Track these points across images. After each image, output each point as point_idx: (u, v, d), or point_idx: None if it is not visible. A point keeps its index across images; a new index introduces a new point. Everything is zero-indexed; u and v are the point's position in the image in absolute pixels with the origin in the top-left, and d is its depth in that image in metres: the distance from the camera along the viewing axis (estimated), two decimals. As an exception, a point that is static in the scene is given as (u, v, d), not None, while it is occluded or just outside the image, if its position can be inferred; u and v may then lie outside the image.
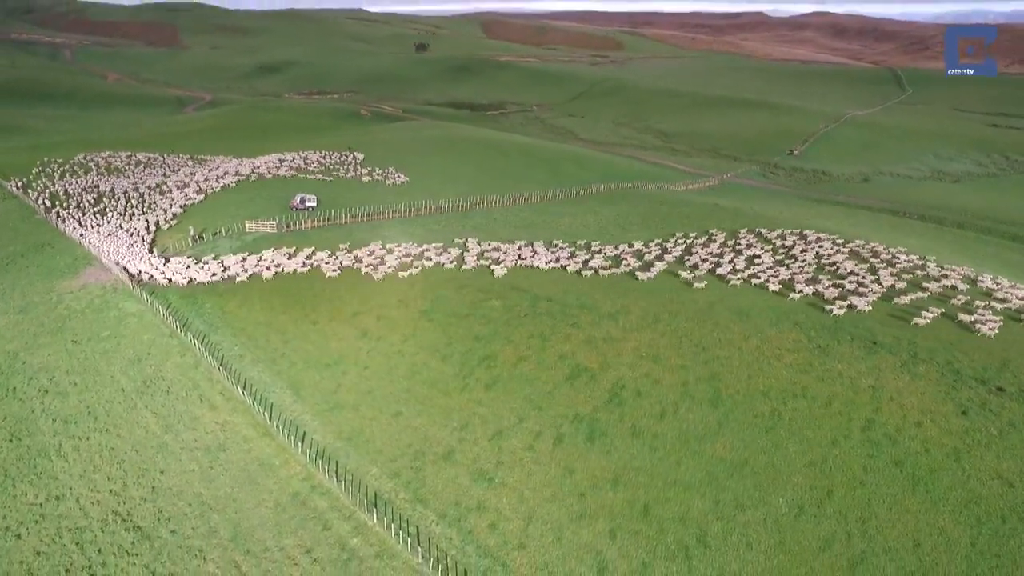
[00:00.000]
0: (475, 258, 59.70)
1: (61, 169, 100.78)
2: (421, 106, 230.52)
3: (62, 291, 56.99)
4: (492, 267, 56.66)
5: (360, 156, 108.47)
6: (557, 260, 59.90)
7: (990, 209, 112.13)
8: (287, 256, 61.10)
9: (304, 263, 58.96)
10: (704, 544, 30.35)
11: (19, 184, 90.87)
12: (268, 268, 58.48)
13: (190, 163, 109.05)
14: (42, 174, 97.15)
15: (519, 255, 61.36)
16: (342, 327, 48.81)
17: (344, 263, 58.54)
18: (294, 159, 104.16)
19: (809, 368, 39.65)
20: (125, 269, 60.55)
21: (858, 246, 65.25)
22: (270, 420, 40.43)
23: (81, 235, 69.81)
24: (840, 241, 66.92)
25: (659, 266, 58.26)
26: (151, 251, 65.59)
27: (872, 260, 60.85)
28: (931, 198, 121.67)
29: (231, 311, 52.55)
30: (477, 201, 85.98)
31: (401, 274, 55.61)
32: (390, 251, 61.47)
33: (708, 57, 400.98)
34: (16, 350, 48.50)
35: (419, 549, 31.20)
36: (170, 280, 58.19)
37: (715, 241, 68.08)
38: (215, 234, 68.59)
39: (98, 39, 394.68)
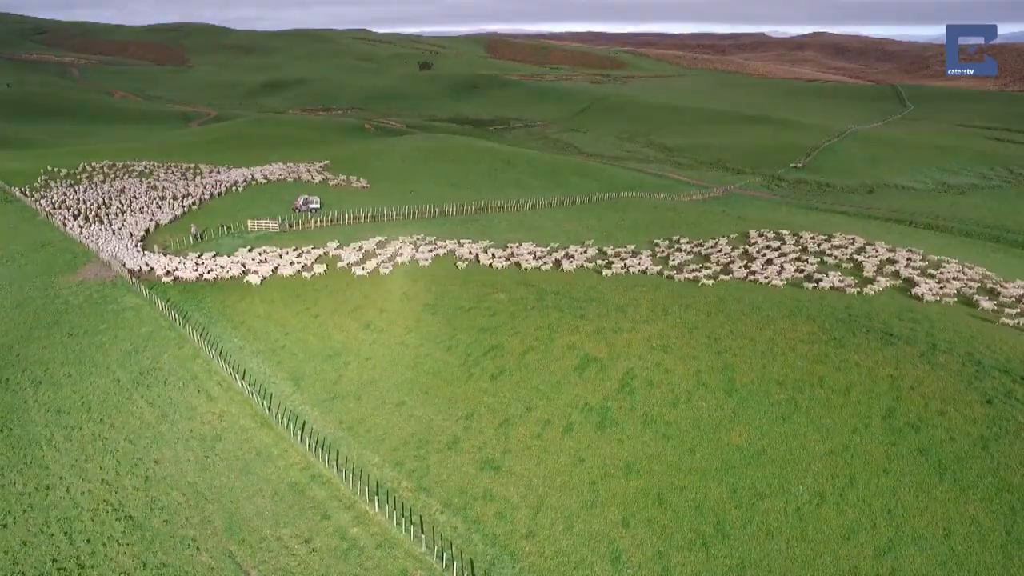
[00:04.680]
0: (488, 256, 59.09)
1: (64, 176, 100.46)
2: (425, 121, 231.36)
3: (60, 286, 55.95)
4: (514, 258, 55.97)
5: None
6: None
7: (997, 219, 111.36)
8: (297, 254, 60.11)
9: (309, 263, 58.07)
10: (722, 533, 28.88)
11: (23, 190, 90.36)
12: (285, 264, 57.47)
13: (192, 171, 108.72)
14: (45, 181, 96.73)
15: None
16: (344, 320, 47.67)
17: (345, 261, 57.60)
18: (297, 166, 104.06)
19: (825, 358, 38.38)
20: (124, 265, 59.59)
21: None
22: (269, 410, 39.16)
23: (81, 234, 69.00)
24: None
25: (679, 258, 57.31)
26: (152, 248, 64.67)
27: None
28: (938, 208, 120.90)
29: (231, 305, 51.47)
30: (481, 206, 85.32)
31: (401, 260, 54.62)
32: (392, 248, 60.54)
33: (710, 75, 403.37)
34: (11, 343, 47.33)
35: (422, 538, 29.76)
36: (170, 274, 57.20)
37: (723, 240, 67.10)
38: (225, 228, 67.77)
39: (106, 58, 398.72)
